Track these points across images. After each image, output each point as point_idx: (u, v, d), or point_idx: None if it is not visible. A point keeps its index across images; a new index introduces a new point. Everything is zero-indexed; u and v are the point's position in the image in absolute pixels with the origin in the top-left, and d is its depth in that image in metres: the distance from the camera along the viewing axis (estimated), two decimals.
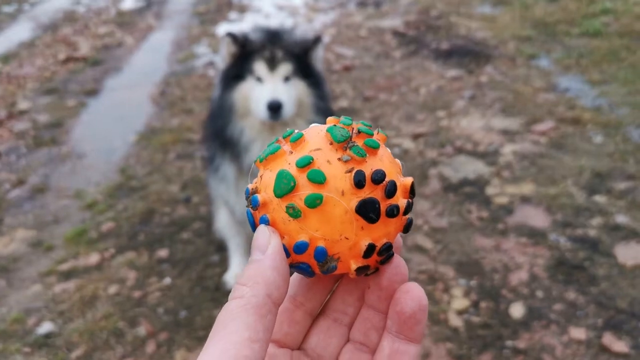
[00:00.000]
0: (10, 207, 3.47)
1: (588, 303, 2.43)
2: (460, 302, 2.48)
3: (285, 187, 0.50)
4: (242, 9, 7.43)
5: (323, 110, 2.26)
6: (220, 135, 2.26)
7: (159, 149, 4.02)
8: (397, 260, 0.55)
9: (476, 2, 7.11)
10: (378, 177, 0.50)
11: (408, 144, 3.84)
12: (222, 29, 6.58)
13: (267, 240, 0.49)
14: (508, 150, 3.66)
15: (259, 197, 0.51)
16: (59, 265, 2.90)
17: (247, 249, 2.69)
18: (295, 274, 0.58)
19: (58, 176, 3.80)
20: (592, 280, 2.54)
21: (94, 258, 2.92)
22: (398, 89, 4.78)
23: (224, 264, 2.78)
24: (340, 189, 0.49)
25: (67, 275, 2.83)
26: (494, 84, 4.72)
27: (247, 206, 0.54)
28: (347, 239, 0.50)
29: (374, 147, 0.52)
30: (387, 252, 0.53)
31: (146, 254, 2.93)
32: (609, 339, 2.22)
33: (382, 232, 0.51)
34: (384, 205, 0.50)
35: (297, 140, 0.52)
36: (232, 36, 2.19)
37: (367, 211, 0.49)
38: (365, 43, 5.95)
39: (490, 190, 3.26)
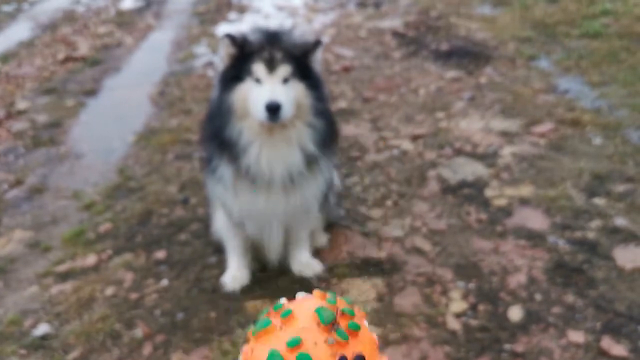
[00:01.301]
0: (8, 207, 3.47)
1: (587, 306, 2.42)
2: (458, 304, 2.47)
3: None
4: (242, 9, 7.42)
5: (321, 111, 2.25)
6: (218, 136, 2.24)
7: (158, 149, 4.01)
8: None
9: (476, 3, 7.11)
10: None
11: (407, 145, 3.83)
12: (222, 29, 6.57)
13: None
14: (507, 151, 3.65)
15: None
16: (56, 266, 2.89)
17: (245, 251, 2.68)
18: None
19: (56, 176, 3.80)
20: (590, 283, 2.53)
21: (91, 259, 2.92)
22: (397, 89, 4.77)
23: (221, 266, 2.77)
24: None
25: (64, 277, 2.82)
26: (493, 85, 4.71)
27: None
28: None
29: (356, 330, 0.58)
30: None
31: (143, 256, 2.93)
32: (607, 343, 2.21)
33: None
34: None
35: (287, 316, 0.58)
36: (231, 37, 2.18)
37: None
38: (364, 44, 5.94)
39: (489, 192, 3.25)
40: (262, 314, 0.60)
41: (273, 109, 2.05)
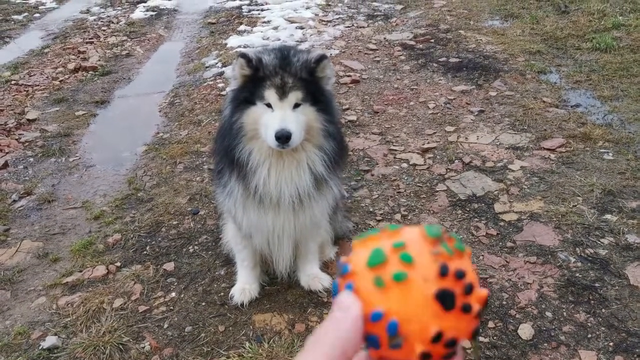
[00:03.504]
0: (17, 217, 3.47)
1: (599, 325, 2.39)
2: None
3: (377, 259, 0.56)
4: (252, 21, 7.45)
5: (331, 134, 2.24)
6: (228, 155, 2.25)
7: (167, 160, 4.02)
8: None
9: (486, 16, 7.11)
10: (460, 274, 0.56)
11: (416, 158, 3.81)
12: (232, 41, 6.59)
13: (349, 303, 0.55)
14: (517, 166, 3.63)
15: (350, 266, 0.58)
16: (65, 277, 2.89)
17: (254, 263, 2.67)
18: (357, 357, 0.62)
19: (66, 187, 3.80)
20: (602, 302, 2.51)
21: (99, 271, 2.91)
22: (407, 102, 4.77)
23: (230, 279, 2.76)
24: (425, 274, 0.55)
25: (72, 288, 2.81)
26: (503, 98, 4.69)
27: (336, 276, 0.61)
28: (420, 320, 0.55)
29: (461, 250, 0.59)
30: (452, 346, 0.56)
31: (152, 267, 2.92)
32: None
33: (453, 324, 0.55)
34: (460, 300, 0.55)
35: (395, 230, 0.60)
36: (247, 58, 2.17)
37: (446, 299, 0.55)
38: (374, 56, 5.94)
39: (498, 207, 3.23)
40: (373, 229, 0.63)
41: (283, 138, 2.05)
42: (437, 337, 0.54)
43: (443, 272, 0.55)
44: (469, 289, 0.56)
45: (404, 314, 0.54)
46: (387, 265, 0.56)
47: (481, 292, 0.58)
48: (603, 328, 2.37)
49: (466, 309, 0.55)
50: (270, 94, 2.12)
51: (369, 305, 0.55)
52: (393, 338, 0.55)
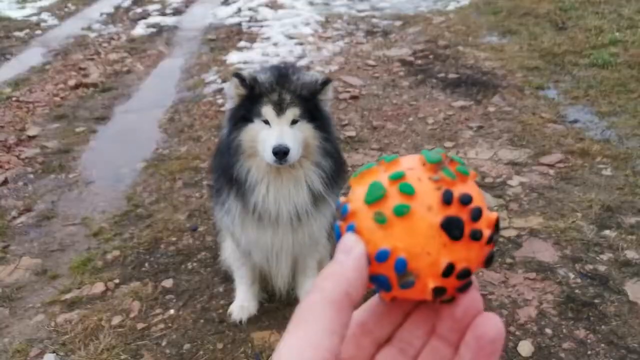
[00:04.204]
0: (16, 234, 3.47)
1: (598, 342, 2.38)
2: None
3: (376, 194, 0.52)
4: (252, 37, 7.50)
5: (329, 151, 2.25)
6: (227, 173, 2.26)
7: (167, 176, 4.02)
8: (475, 293, 0.54)
9: (484, 32, 7.16)
10: (465, 199, 0.51)
11: None
12: (232, 57, 6.63)
13: (352, 244, 0.51)
14: (516, 182, 3.64)
15: (349, 205, 0.54)
16: (63, 294, 2.89)
17: (253, 280, 2.66)
18: (369, 302, 0.59)
19: (65, 203, 3.81)
20: (602, 318, 2.50)
21: (98, 288, 2.91)
22: (406, 118, 4.79)
23: (229, 296, 2.76)
24: (428, 204, 0.51)
25: (70, 305, 2.81)
26: (501, 114, 4.71)
27: (336, 219, 0.57)
28: (428, 254, 0.50)
29: (465, 174, 0.53)
30: (465, 277, 0.52)
31: (151, 285, 2.91)
32: None
33: (463, 254, 0.51)
34: (468, 227, 0.51)
35: (392, 160, 0.55)
36: (240, 78, 2.19)
37: (452, 228, 0.50)
38: (373, 72, 5.97)
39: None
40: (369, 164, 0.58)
41: (281, 154, 2.06)
42: (449, 270, 0.50)
43: (446, 199, 0.51)
44: (476, 215, 0.51)
45: (411, 249, 0.51)
46: (387, 200, 0.52)
47: (491, 215, 0.54)
48: (603, 345, 2.36)
49: (475, 236, 0.51)
50: (268, 110, 2.13)
51: (374, 245, 0.51)
52: (403, 277, 0.51)
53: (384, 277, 0.52)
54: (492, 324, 0.52)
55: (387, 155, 0.56)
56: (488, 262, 0.54)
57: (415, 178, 0.52)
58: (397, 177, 0.52)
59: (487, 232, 0.52)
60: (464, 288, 0.53)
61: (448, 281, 0.51)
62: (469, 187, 0.53)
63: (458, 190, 0.51)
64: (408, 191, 0.51)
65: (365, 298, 0.58)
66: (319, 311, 0.46)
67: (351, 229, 0.53)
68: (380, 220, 0.51)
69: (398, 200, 0.51)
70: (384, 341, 0.59)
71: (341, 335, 0.46)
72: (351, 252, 0.51)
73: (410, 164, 0.54)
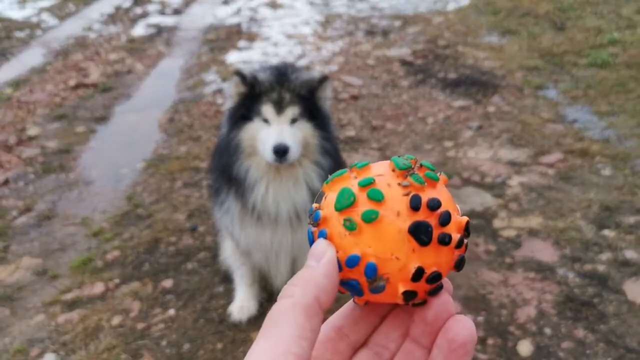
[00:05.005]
0: (17, 234, 3.47)
1: (597, 341, 2.39)
2: None
3: (345, 201, 0.53)
4: (251, 37, 7.50)
5: (329, 150, 2.26)
6: (226, 172, 2.26)
7: (166, 176, 4.03)
8: (445, 296, 0.55)
9: (483, 32, 7.16)
10: (433, 204, 0.52)
11: None
12: (232, 57, 6.63)
13: (323, 250, 0.52)
14: (515, 182, 3.64)
15: (321, 212, 0.55)
16: (64, 294, 2.89)
17: (253, 280, 2.67)
18: (345, 307, 0.60)
19: (65, 203, 3.81)
20: (601, 318, 2.51)
21: (98, 288, 2.91)
22: (405, 118, 4.79)
23: (229, 296, 2.77)
24: (397, 210, 0.52)
25: (71, 305, 2.81)
26: (501, 114, 4.72)
27: (309, 224, 0.58)
28: (397, 259, 0.51)
29: (434, 179, 0.55)
30: (435, 281, 0.53)
31: (151, 284, 2.92)
32: None
33: (433, 259, 0.53)
34: (436, 232, 0.52)
35: (363, 167, 0.57)
36: (241, 76, 2.20)
37: (419, 233, 0.51)
38: (372, 72, 5.98)
39: (497, 223, 3.24)
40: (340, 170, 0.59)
41: (280, 152, 2.07)
42: (418, 274, 0.52)
43: (414, 204, 0.52)
44: (445, 219, 0.53)
45: (380, 254, 0.52)
46: (357, 206, 0.53)
47: (461, 219, 0.56)
48: (601, 344, 2.37)
49: (444, 240, 0.52)
50: (267, 109, 2.14)
51: (344, 251, 0.53)
52: (373, 281, 0.53)
53: (355, 282, 0.53)
54: (463, 327, 0.53)
55: (358, 162, 0.58)
56: (459, 265, 0.56)
57: (385, 184, 0.53)
58: (367, 184, 0.54)
59: (456, 236, 0.54)
60: (435, 292, 0.55)
61: (418, 285, 0.53)
62: (438, 192, 0.55)
63: (426, 196, 0.53)
64: (377, 197, 0.52)
65: (342, 303, 0.59)
66: (289, 317, 0.47)
67: (323, 235, 0.54)
68: (350, 226, 0.52)
69: (367, 207, 0.52)
70: (360, 345, 0.59)
71: (311, 340, 0.47)
72: (322, 257, 0.52)
73: (380, 171, 0.55)
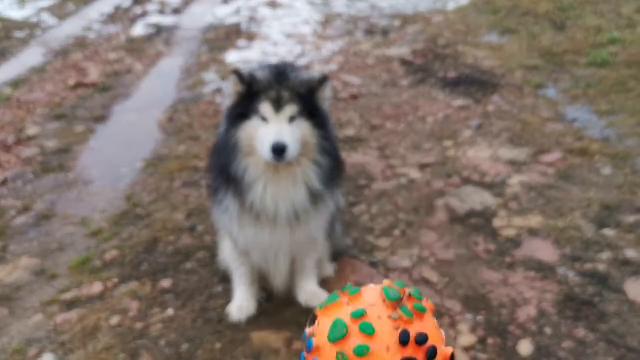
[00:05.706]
0: (15, 234, 3.46)
1: (598, 341, 2.38)
2: (467, 338, 2.43)
3: (338, 333, 0.57)
4: (251, 37, 7.49)
5: (327, 149, 2.25)
6: (224, 171, 2.25)
7: (166, 176, 4.02)
8: None
9: (483, 31, 7.15)
10: (421, 339, 0.57)
11: (415, 174, 3.82)
12: (231, 56, 6.63)
13: None
14: (515, 181, 3.63)
15: (314, 340, 0.60)
16: (62, 294, 2.88)
17: (252, 280, 2.66)
18: None
19: (64, 203, 3.80)
20: (601, 317, 2.50)
21: (97, 288, 2.90)
22: (405, 117, 4.78)
23: (227, 295, 2.75)
24: (387, 344, 0.56)
25: (69, 305, 2.81)
26: (501, 113, 4.71)
27: (303, 351, 0.62)
28: None
29: (422, 311, 0.59)
30: None
31: (149, 284, 2.91)
32: None
33: None
34: None
35: (355, 294, 0.61)
36: (239, 75, 2.19)
37: None
38: (372, 71, 5.97)
39: (497, 222, 3.23)
40: (332, 294, 0.64)
41: (279, 150, 2.06)
42: None
43: (403, 340, 0.55)
44: (431, 354, 0.56)
45: None
46: (349, 339, 0.56)
47: (445, 351, 0.59)
48: (602, 344, 2.36)
49: None
50: (266, 107, 2.13)
51: None
52: None
53: None
54: None
55: (350, 285, 0.62)
56: None
57: (376, 316, 0.58)
58: (359, 316, 0.58)
59: None
60: None
61: None
62: (425, 325, 0.59)
63: (415, 330, 0.57)
64: (368, 331, 0.56)
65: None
66: None
67: None
68: (343, 359, 0.56)
69: (359, 341, 0.56)
70: None
71: None
72: None
73: (372, 300, 0.60)
